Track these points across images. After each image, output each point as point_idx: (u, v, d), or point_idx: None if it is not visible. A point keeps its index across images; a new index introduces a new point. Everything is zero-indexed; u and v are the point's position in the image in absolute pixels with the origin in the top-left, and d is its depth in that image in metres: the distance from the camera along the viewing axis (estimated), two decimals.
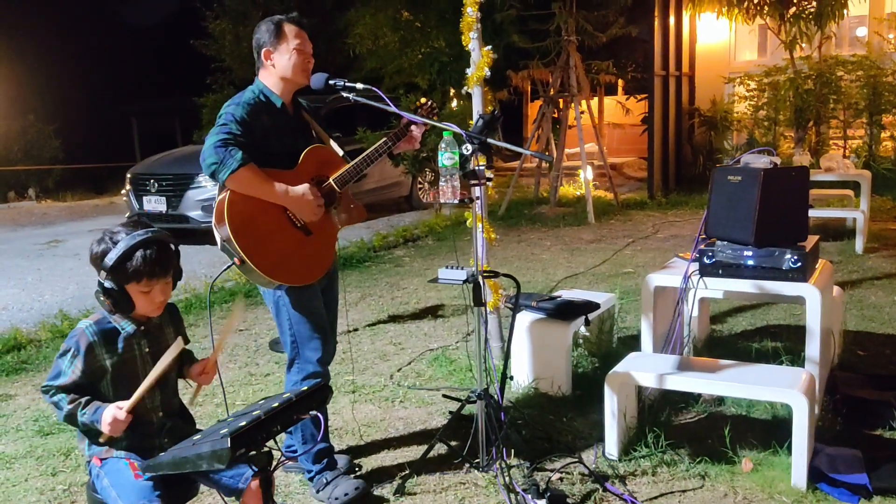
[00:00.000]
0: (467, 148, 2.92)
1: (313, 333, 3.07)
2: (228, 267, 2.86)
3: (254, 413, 1.98)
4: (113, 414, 2.17)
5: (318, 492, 3.10)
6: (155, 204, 9.54)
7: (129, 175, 10.07)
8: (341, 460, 3.26)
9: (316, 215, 2.96)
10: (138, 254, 2.21)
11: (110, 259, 2.21)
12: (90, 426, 2.22)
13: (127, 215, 9.70)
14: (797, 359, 3.94)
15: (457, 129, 2.95)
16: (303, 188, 2.92)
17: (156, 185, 9.58)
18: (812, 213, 7.68)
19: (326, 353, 3.13)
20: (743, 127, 12.76)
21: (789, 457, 3.00)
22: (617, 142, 17.69)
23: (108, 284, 2.24)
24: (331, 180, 3.08)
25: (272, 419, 1.98)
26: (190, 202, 9.29)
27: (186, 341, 2.50)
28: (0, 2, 19.83)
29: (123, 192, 10.24)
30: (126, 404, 2.19)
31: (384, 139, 3.20)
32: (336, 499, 3.04)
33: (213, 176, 2.79)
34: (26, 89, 19.40)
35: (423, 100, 3.33)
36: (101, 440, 2.27)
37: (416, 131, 3.24)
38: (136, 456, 2.29)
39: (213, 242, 2.88)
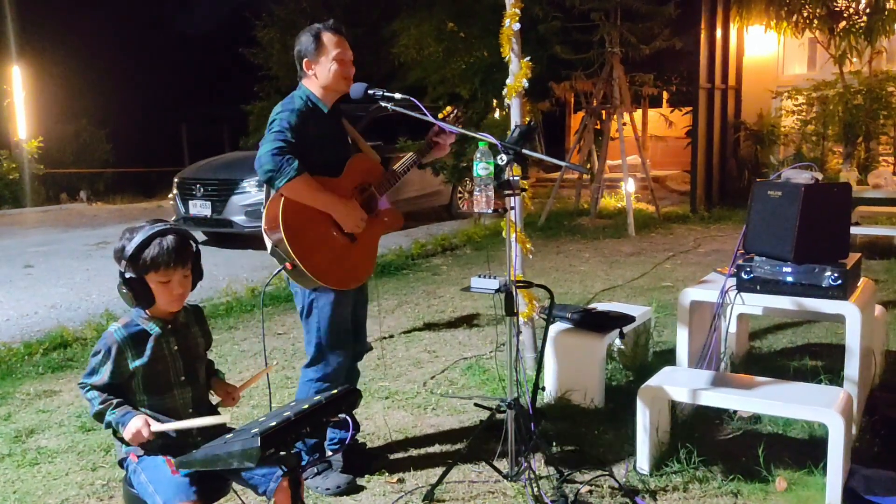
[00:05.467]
0: (502, 158, 2.94)
1: (340, 339, 3.17)
2: (279, 271, 2.97)
3: (284, 414, 2.02)
4: (139, 427, 2.22)
5: (306, 479, 3.17)
6: (200, 208, 9.73)
7: (176, 179, 10.28)
8: (342, 478, 3.24)
9: (358, 227, 3.08)
10: (155, 242, 2.28)
11: (130, 248, 2.27)
12: (114, 427, 2.28)
13: (173, 219, 9.92)
14: (836, 378, 3.87)
15: (492, 140, 2.97)
16: (351, 203, 3.05)
17: (201, 189, 9.77)
18: (859, 230, 7.63)
19: (348, 358, 3.25)
20: (790, 141, 12.55)
21: (824, 477, 2.94)
22: (660, 154, 17.54)
23: (128, 275, 2.29)
24: (372, 188, 3.20)
25: (302, 420, 2.02)
26: (234, 207, 9.46)
27: (210, 341, 2.57)
28: (56, 10, 20.47)
29: (171, 195, 10.47)
30: (157, 427, 2.25)
31: (412, 153, 3.36)
32: (327, 489, 3.15)
33: (269, 182, 2.90)
34: (80, 94, 19.96)
35: (448, 109, 3.43)
36: (119, 437, 2.32)
37: (443, 140, 3.35)
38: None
39: (256, 247, 2.97)
